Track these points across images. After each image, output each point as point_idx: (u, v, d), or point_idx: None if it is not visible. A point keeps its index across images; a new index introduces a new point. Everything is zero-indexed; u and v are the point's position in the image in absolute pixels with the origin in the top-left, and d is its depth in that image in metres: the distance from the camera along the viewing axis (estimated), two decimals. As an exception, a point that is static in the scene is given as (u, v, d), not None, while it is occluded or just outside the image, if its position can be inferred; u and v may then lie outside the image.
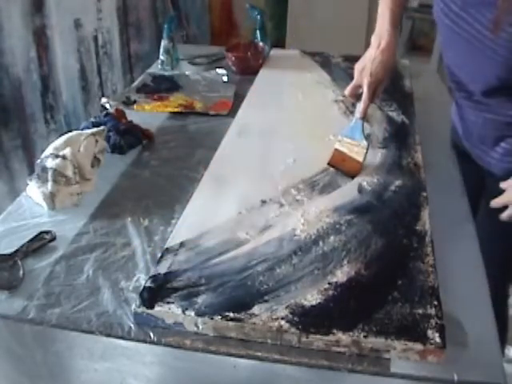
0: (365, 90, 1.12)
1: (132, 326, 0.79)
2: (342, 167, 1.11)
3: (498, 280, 1.17)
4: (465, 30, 0.97)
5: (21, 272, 0.87)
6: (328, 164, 1.12)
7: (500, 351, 0.77)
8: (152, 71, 1.72)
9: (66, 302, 0.82)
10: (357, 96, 1.17)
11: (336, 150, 1.14)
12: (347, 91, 1.18)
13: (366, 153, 1.12)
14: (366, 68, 1.12)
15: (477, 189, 1.21)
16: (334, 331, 0.74)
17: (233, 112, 1.41)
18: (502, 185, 1.00)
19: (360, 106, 1.15)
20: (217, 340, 0.77)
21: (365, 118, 1.15)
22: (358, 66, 1.15)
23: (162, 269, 0.85)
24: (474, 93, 1.05)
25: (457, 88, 1.13)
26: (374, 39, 1.15)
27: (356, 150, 1.12)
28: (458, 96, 1.16)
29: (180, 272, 0.85)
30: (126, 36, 2.12)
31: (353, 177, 1.09)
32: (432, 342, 0.73)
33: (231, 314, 0.77)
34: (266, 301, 0.79)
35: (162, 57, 1.72)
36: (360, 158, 1.11)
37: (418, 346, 0.73)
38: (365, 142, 1.12)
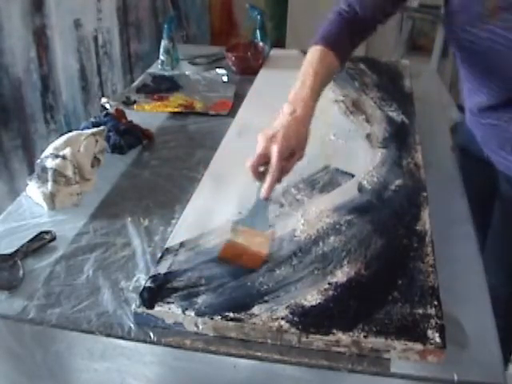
0: (274, 159, 0.86)
1: (132, 326, 0.79)
2: (238, 261, 0.87)
3: (505, 278, 1.17)
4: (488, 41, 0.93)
5: (21, 272, 0.87)
6: (219, 258, 0.88)
7: (500, 351, 0.77)
8: (152, 71, 1.72)
9: (65, 302, 0.82)
10: (260, 174, 0.89)
11: (230, 242, 0.88)
12: (249, 164, 0.87)
13: (271, 243, 0.89)
14: (276, 134, 0.88)
15: (489, 191, 1.19)
16: (334, 331, 0.74)
17: (233, 112, 1.41)
18: None
19: (266, 182, 0.86)
20: (217, 340, 0.77)
21: (269, 198, 0.88)
22: (263, 134, 0.89)
23: (162, 269, 0.85)
24: (495, 101, 1.03)
25: (475, 97, 1.10)
26: (287, 106, 0.94)
27: (258, 240, 0.88)
28: (474, 104, 1.12)
29: (180, 272, 0.85)
30: (126, 36, 2.12)
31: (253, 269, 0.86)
32: (432, 341, 0.73)
33: (231, 314, 0.77)
34: (266, 301, 0.79)
35: (162, 57, 1.72)
36: (263, 250, 0.88)
37: (418, 346, 0.73)
38: (268, 232, 0.90)
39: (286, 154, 0.87)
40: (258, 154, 0.87)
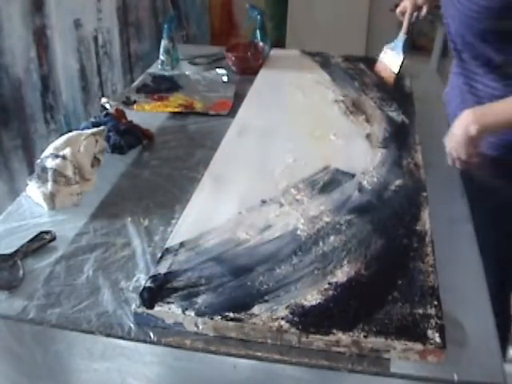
0: (407, 13, 1.43)
1: (132, 326, 0.79)
2: (381, 75, 1.51)
3: (497, 274, 1.18)
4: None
5: (21, 272, 0.87)
6: (373, 71, 1.55)
7: (500, 351, 0.77)
8: (152, 71, 1.72)
9: (65, 302, 0.82)
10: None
11: (379, 60, 1.52)
12: (398, 12, 1.47)
13: (401, 65, 1.45)
14: None
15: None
16: (334, 331, 0.74)
17: (233, 112, 1.41)
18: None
19: (404, 23, 1.45)
20: (217, 340, 0.77)
21: (408, 33, 1.46)
22: None
23: (162, 269, 0.85)
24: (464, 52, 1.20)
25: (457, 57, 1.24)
26: None
27: (394, 61, 1.46)
28: (460, 71, 1.26)
29: (180, 272, 0.85)
30: (126, 36, 2.12)
31: (391, 84, 1.48)
32: (432, 342, 0.73)
33: (231, 314, 0.77)
34: (266, 301, 0.79)
35: (162, 57, 1.72)
36: (395, 69, 1.46)
37: (418, 346, 0.73)
38: (401, 56, 1.44)
39: (414, 10, 1.42)
40: (399, 9, 1.45)
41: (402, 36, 1.46)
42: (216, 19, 3.14)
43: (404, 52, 1.44)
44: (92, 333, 0.78)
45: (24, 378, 0.89)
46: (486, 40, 1.09)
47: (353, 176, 1.10)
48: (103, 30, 1.93)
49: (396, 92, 1.50)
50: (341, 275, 0.84)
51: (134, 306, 0.79)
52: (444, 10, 1.22)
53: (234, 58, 1.70)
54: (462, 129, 1.06)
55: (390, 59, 1.47)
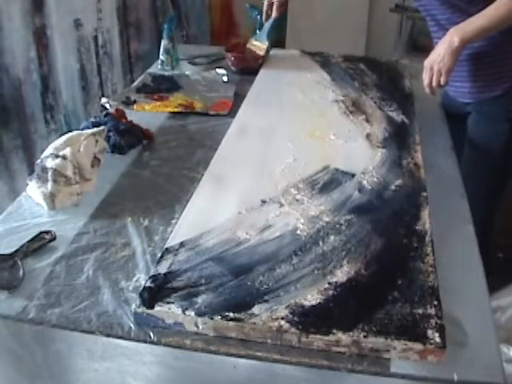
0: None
1: (132, 326, 0.79)
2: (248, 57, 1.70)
3: (483, 213, 1.23)
4: None
5: (21, 272, 0.87)
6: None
7: (499, 351, 0.77)
8: (152, 71, 1.72)
9: (65, 302, 0.82)
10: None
11: (247, 47, 1.74)
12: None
13: (267, 50, 1.72)
14: None
15: (463, 141, 1.42)
16: (334, 331, 0.74)
17: (233, 112, 1.41)
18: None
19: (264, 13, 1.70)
20: (217, 340, 0.77)
21: (268, 18, 1.70)
22: None
23: (162, 269, 0.85)
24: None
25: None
26: None
27: (260, 48, 1.71)
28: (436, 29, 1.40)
29: (180, 272, 0.85)
30: (126, 36, 2.12)
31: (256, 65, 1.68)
32: (432, 341, 0.73)
33: (231, 314, 0.77)
34: (266, 301, 0.79)
35: (162, 57, 1.72)
36: (260, 53, 1.71)
37: (418, 346, 0.73)
38: (266, 43, 1.71)
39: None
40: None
41: (268, 23, 1.69)
42: (216, 19, 3.14)
43: (268, 39, 1.69)
44: (92, 333, 0.78)
45: (24, 378, 0.89)
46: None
47: (353, 176, 1.10)
48: (103, 29, 1.93)
49: (396, 92, 1.50)
50: (341, 275, 0.84)
51: (134, 306, 0.79)
52: None
53: (233, 58, 1.70)
54: (446, 43, 1.21)
55: (258, 47, 1.71)
